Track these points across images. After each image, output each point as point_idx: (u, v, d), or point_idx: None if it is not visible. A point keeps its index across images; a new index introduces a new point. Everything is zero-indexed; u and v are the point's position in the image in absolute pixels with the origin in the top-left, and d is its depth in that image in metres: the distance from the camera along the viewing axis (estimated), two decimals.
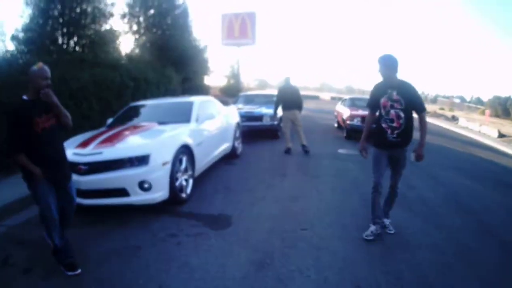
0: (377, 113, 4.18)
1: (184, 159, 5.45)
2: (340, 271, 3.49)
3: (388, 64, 3.94)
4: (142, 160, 4.73)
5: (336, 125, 13.81)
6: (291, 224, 4.61)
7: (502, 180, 7.45)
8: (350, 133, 10.69)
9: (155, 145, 5.09)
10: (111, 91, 9.46)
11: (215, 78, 33.81)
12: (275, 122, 10.70)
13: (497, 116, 41.33)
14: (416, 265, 3.63)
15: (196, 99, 7.18)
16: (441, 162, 8.69)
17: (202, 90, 18.94)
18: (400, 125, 3.94)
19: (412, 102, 3.91)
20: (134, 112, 7.16)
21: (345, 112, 11.45)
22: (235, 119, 8.90)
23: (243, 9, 31.47)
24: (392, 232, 4.33)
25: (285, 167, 7.70)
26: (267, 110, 10.91)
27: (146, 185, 4.70)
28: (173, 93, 13.20)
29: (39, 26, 10.42)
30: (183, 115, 6.45)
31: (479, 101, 50.10)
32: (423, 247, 4.04)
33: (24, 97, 3.31)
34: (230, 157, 8.17)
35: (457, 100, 49.10)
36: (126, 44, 16.41)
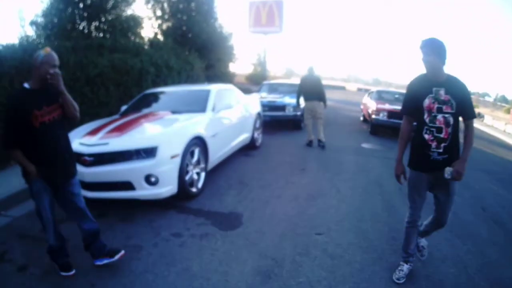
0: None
1: (197, 151, 5.14)
2: (355, 286, 3.10)
3: (438, 51, 2.85)
4: (149, 152, 4.43)
5: (362, 118, 13.11)
6: (305, 227, 4.25)
7: None
8: (375, 128, 10.09)
9: (164, 136, 4.79)
10: (130, 77, 9.20)
11: (241, 66, 33.45)
12: (298, 113, 10.27)
13: None
14: (438, 282, 3.22)
15: (213, 87, 6.81)
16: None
17: (226, 77, 18.59)
18: (448, 135, 2.91)
19: (463, 105, 2.88)
20: (149, 100, 6.87)
21: (371, 105, 10.76)
22: (256, 108, 8.54)
23: None
24: (424, 257, 3.60)
25: (305, 161, 7.30)
26: (290, 100, 10.48)
27: (153, 179, 4.41)
28: (196, 80, 12.91)
29: (59, 10, 10.21)
30: (199, 104, 6.13)
31: (504, 99, 47.80)
32: (447, 260, 3.61)
33: (25, 85, 2.98)
34: (248, 148, 7.84)
35: (489, 98, 47.00)
36: (149, 29, 16.07)
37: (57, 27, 10.12)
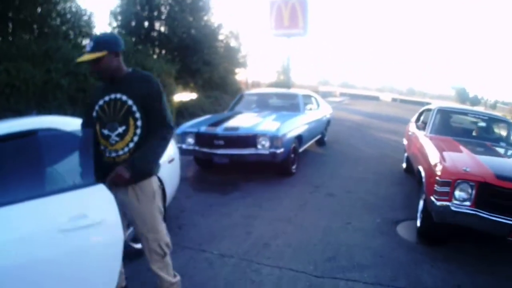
0: None
1: None
2: None
3: None
4: None
5: (404, 165, 6.85)
6: None
7: None
8: (440, 229, 3.61)
9: None
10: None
11: (267, 74, 28.66)
12: (279, 149, 5.41)
13: None
14: None
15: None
16: None
17: (222, 86, 13.94)
18: None
19: None
20: None
21: (428, 150, 4.34)
22: None
23: None
24: None
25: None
26: (270, 125, 5.78)
27: None
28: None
29: None
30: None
31: None
32: None
33: None
34: None
35: None
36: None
37: None
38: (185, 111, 11.80)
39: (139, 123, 2.12)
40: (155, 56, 9.89)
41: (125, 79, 2.15)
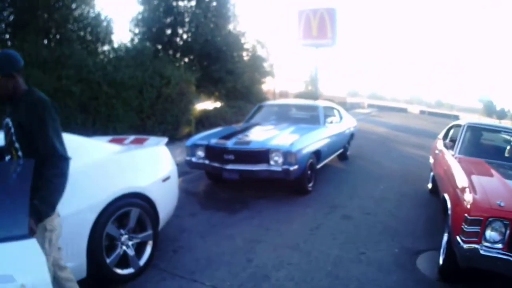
0: None
1: None
2: None
3: None
4: None
5: (430, 185, 6.26)
6: None
7: None
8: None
9: None
10: None
11: (295, 84, 28.28)
12: (293, 167, 4.99)
13: None
14: None
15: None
16: None
17: (247, 95, 13.66)
18: None
19: None
20: None
21: (456, 174, 3.75)
22: None
23: (320, 5, 25.19)
24: None
25: None
26: (284, 139, 5.39)
27: None
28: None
29: None
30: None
31: None
32: None
33: None
34: None
35: None
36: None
37: None
38: (206, 121, 11.56)
39: (20, 153, 1.84)
40: (177, 65, 9.66)
41: (19, 101, 1.86)
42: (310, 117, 6.92)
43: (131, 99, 7.86)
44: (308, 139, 5.59)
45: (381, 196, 5.76)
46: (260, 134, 5.70)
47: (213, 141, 5.49)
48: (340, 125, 7.71)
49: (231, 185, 5.85)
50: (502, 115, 42.62)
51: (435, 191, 5.69)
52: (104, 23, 8.64)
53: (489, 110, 46.27)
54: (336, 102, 10.54)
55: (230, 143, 5.27)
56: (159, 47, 10.98)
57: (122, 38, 9.85)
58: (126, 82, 7.65)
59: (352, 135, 8.82)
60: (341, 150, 7.94)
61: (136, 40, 10.27)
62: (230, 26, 12.53)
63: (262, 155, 5.09)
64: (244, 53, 13.56)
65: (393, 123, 21.08)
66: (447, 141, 5.36)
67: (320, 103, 7.47)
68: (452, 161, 4.36)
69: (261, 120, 7.02)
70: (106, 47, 8.72)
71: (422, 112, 38.61)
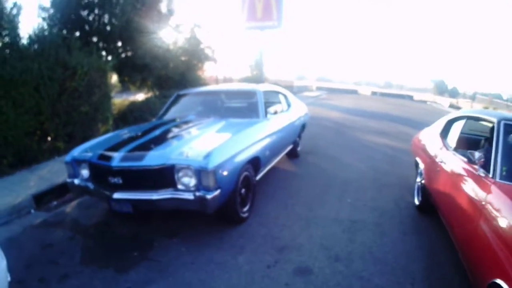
0: None
1: None
2: None
3: None
4: None
5: (417, 200, 4.33)
6: None
7: None
8: None
9: None
10: None
11: (238, 69, 26.38)
12: (210, 194, 3.06)
13: None
14: None
15: None
16: None
17: (182, 83, 11.59)
18: None
19: None
20: None
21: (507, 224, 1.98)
22: None
23: None
24: None
25: None
26: (199, 146, 3.36)
27: None
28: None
29: None
30: None
31: None
32: None
33: None
34: None
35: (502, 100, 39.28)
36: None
37: None
38: (130, 115, 9.41)
39: None
40: (89, 51, 7.42)
41: None
42: (246, 108, 5.03)
43: (25, 99, 5.79)
44: (238, 143, 3.66)
45: (351, 219, 3.96)
46: (165, 140, 3.73)
47: (95, 156, 3.50)
48: (288, 115, 5.87)
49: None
50: (454, 93, 43.06)
51: (427, 209, 4.02)
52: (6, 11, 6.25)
53: (441, 89, 46.74)
54: (282, 86, 8.69)
55: (115, 159, 3.28)
56: (77, 34, 8.65)
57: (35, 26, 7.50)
58: (16, 78, 5.56)
59: (303, 126, 7.05)
60: (290, 147, 6.16)
61: (46, 26, 7.89)
62: (162, 6, 10.27)
63: (163, 175, 3.14)
64: (179, 36, 11.35)
65: (346, 106, 19.81)
66: (470, 151, 2.81)
67: (260, 87, 5.47)
68: (488, 188, 2.41)
69: (178, 114, 5.05)
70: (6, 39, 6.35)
71: (374, 93, 38.27)
